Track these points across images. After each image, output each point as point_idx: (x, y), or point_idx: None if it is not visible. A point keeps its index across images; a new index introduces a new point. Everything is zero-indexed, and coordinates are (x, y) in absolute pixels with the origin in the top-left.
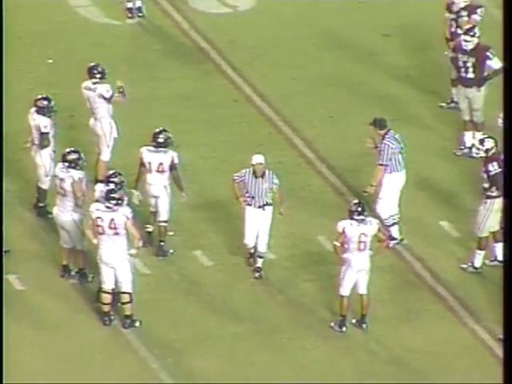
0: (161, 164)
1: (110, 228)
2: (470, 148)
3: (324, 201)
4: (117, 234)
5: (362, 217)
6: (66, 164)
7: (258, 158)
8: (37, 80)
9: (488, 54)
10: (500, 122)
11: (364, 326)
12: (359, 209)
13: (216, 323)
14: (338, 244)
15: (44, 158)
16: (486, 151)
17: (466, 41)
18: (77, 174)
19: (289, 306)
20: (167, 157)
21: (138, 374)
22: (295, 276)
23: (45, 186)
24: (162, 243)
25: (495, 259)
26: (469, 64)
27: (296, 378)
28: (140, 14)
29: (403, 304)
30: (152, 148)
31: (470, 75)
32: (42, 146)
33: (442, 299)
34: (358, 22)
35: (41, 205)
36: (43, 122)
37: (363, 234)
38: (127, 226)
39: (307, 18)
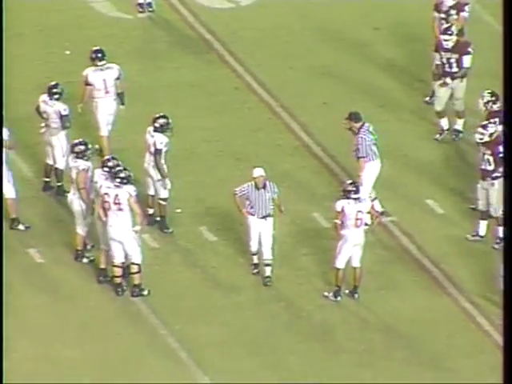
0: (149, 146)
1: (115, 203)
2: (448, 130)
3: (319, 180)
4: (120, 209)
5: (357, 195)
6: (74, 154)
7: (258, 171)
8: (55, 69)
9: (469, 49)
10: (481, 105)
11: (356, 295)
12: (354, 188)
13: (219, 293)
14: (338, 222)
15: (61, 140)
16: (491, 135)
17: (445, 40)
18: (82, 165)
19: (286, 278)
20: (152, 140)
21: (147, 339)
22: (293, 250)
23: (61, 166)
24: (161, 218)
25: (477, 234)
26: (452, 60)
27: (292, 342)
28: (150, 9)
29: (391, 275)
30: (151, 131)
31: (455, 69)
32: (65, 127)
33: (428, 271)
34: (350, 17)
35: (58, 184)
36: (62, 106)
37: (359, 211)
38: (130, 203)
39: (303, 12)
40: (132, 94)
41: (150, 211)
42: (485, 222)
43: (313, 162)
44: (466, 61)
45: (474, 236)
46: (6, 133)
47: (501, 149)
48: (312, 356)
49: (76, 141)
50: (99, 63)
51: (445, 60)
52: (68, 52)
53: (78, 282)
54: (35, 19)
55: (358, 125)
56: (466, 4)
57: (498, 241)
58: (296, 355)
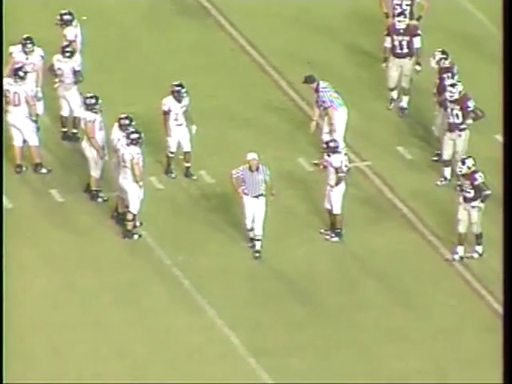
0: None
1: (123, 161)
2: (398, 98)
3: (304, 130)
4: (125, 166)
5: (340, 148)
6: (84, 106)
7: (252, 155)
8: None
9: (418, 31)
10: (433, 63)
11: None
12: (337, 143)
13: (217, 228)
14: (342, 175)
15: (73, 93)
16: (460, 93)
17: (399, 21)
18: (89, 116)
19: (275, 215)
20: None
21: (154, 268)
22: (282, 191)
23: (80, 114)
24: (168, 166)
25: (445, 179)
26: (404, 42)
27: (280, 270)
28: None
29: (366, 212)
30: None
31: (405, 50)
32: (78, 81)
33: (398, 209)
34: None
35: (74, 131)
36: (75, 63)
37: (343, 160)
38: (132, 163)
39: None
40: (140, 56)
41: (187, 165)
42: (449, 168)
43: (299, 115)
44: (417, 42)
45: (442, 181)
46: (31, 88)
47: (469, 104)
48: (297, 281)
49: (88, 94)
50: (73, 23)
51: (396, 43)
52: (85, 18)
53: (93, 219)
54: None
55: (314, 85)
56: None
57: (459, 183)
58: (283, 280)
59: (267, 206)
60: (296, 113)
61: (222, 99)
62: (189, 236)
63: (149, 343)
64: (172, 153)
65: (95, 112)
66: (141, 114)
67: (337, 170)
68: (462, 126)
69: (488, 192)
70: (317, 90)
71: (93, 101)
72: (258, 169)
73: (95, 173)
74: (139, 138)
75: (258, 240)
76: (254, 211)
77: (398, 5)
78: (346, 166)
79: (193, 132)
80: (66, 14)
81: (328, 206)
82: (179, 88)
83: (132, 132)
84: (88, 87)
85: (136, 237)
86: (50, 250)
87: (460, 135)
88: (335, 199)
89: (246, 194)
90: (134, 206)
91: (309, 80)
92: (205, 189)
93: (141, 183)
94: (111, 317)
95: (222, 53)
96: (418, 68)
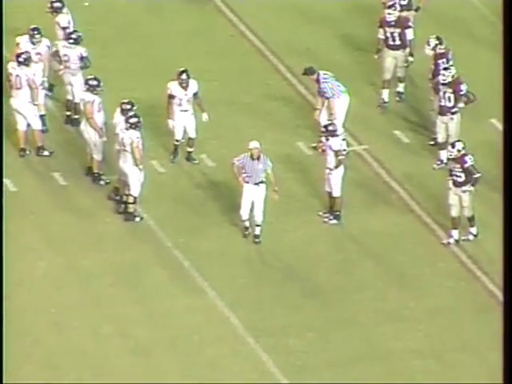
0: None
1: (122, 145)
2: (387, 102)
3: (303, 114)
4: (125, 150)
5: (339, 132)
6: (85, 87)
7: (254, 144)
8: (76, 20)
9: (409, 23)
10: (427, 50)
11: (335, 215)
12: (336, 127)
13: (217, 210)
14: (342, 157)
15: (79, 78)
16: (453, 76)
17: (389, 14)
18: (88, 97)
19: (274, 198)
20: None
21: (156, 250)
22: (281, 174)
23: (79, 95)
24: (174, 151)
25: (441, 162)
26: (395, 34)
27: (279, 252)
28: None
29: (363, 195)
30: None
31: (397, 42)
32: (85, 67)
33: (395, 191)
34: None
35: (76, 116)
36: (82, 49)
37: (342, 143)
38: (132, 147)
39: None
40: (141, 41)
41: (189, 149)
42: (444, 151)
43: (297, 99)
44: (409, 33)
45: (438, 164)
46: (33, 72)
47: (461, 87)
48: (296, 263)
49: (90, 76)
50: (64, 10)
51: (388, 34)
52: (87, 4)
53: (95, 202)
54: None
55: (314, 76)
56: None
57: (449, 167)
58: (282, 263)
59: (267, 191)
60: (295, 97)
61: (221, 84)
62: (189, 218)
63: (150, 323)
64: (178, 141)
65: (95, 93)
66: (142, 99)
67: (336, 153)
68: (454, 110)
69: (478, 175)
70: (318, 81)
71: (95, 82)
72: (259, 158)
73: (97, 155)
74: (138, 121)
75: (257, 226)
76: (254, 198)
77: None
78: (344, 149)
79: (203, 120)
80: (55, 1)
81: (328, 189)
82: (183, 74)
83: (131, 116)
84: (90, 73)
85: (137, 219)
86: (53, 232)
87: (452, 118)
88: (335, 182)
89: (246, 182)
90: (135, 189)
91: (309, 72)
92: (206, 172)
93: (141, 166)
94: (113, 297)
95: (221, 38)
96: (410, 59)
